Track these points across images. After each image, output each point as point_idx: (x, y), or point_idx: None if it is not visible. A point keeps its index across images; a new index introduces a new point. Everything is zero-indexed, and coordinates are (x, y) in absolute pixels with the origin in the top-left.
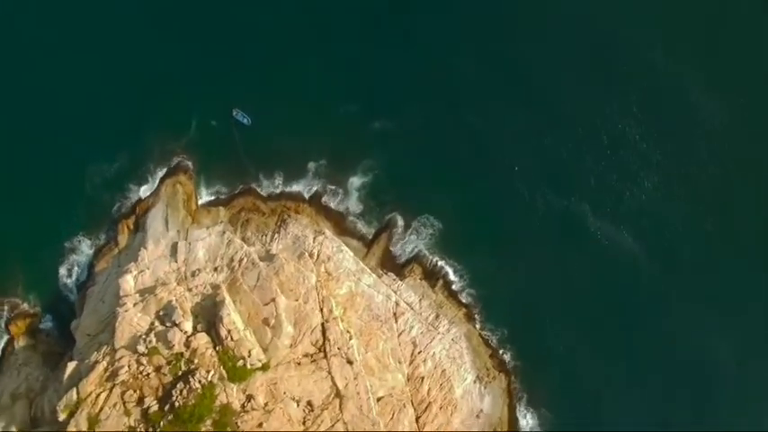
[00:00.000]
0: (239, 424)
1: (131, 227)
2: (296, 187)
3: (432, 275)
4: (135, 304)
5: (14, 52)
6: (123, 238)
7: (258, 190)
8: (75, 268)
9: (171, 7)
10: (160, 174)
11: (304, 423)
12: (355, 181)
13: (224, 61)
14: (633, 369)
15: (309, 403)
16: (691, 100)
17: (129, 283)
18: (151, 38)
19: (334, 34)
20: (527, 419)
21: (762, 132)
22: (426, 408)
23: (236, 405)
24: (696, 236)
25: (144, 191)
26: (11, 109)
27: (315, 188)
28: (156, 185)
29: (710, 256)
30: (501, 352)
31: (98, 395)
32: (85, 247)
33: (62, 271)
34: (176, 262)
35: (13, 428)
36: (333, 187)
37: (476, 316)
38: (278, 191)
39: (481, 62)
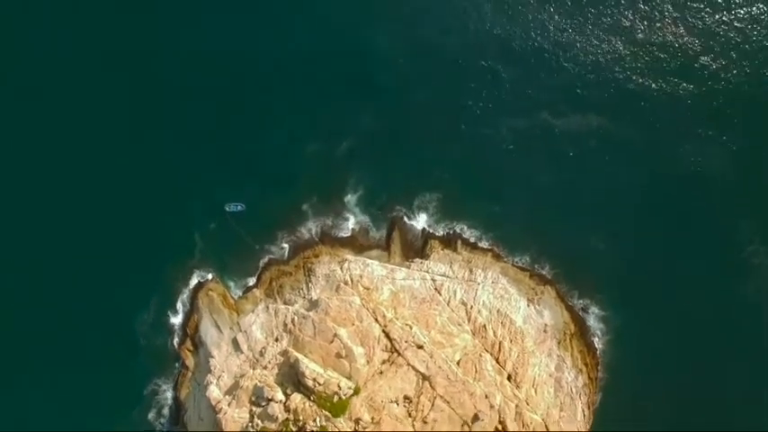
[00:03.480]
0: None
1: (191, 348)
2: (305, 235)
3: (450, 242)
4: (229, 404)
5: None
6: (190, 361)
7: (276, 256)
8: (164, 408)
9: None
10: (190, 293)
11: (410, 416)
12: (351, 199)
13: (195, 166)
14: (642, 220)
15: (406, 397)
16: None
17: (214, 392)
18: (120, 173)
19: (273, 93)
20: (588, 310)
21: None
22: (499, 347)
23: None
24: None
25: (185, 314)
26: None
27: (320, 226)
28: (192, 303)
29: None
30: (537, 268)
31: None
32: (164, 386)
33: (152, 415)
34: (243, 353)
35: None
36: (334, 216)
37: (502, 253)
38: (291, 247)
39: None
